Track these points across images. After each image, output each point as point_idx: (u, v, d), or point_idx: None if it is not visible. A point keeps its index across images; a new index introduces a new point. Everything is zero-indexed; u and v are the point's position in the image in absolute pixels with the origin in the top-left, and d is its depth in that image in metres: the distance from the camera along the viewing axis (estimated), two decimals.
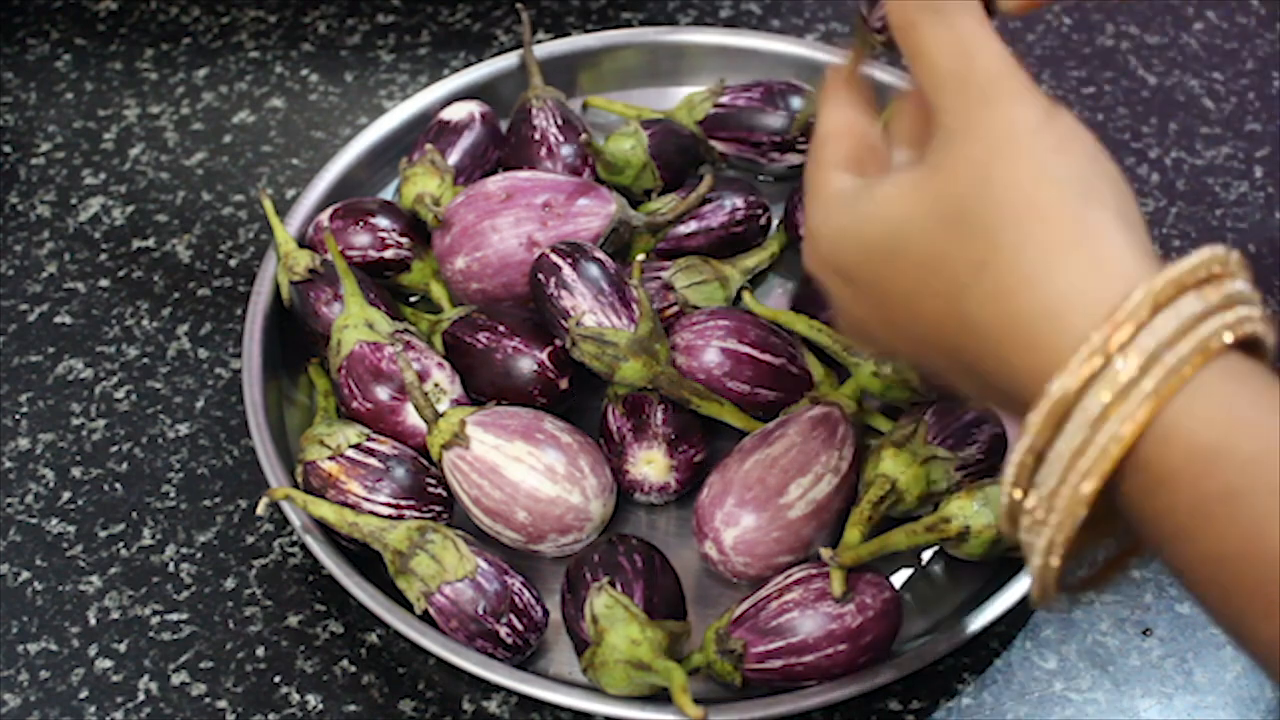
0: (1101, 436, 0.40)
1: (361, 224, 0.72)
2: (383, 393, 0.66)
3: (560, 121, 0.76)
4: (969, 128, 0.45)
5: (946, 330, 0.45)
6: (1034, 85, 0.46)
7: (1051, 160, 0.44)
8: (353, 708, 0.63)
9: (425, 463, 0.65)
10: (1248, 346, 0.41)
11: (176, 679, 0.64)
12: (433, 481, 0.65)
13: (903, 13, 0.47)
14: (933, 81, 0.46)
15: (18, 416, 0.72)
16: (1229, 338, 0.40)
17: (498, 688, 0.63)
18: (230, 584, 0.67)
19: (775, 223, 0.76)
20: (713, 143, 0.77)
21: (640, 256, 0.69)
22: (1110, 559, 0.45)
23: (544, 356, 0.67)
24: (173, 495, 0.69)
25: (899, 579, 0.65)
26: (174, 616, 0.66)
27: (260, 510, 0.63)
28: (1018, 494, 0.42)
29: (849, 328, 0.51)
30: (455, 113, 0.77)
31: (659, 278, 0.71)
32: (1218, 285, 0.41)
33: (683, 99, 0.78)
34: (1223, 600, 0.40)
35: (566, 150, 0.75)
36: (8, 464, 0.71)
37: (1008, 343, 0.43)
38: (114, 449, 0.71)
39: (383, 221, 0.72)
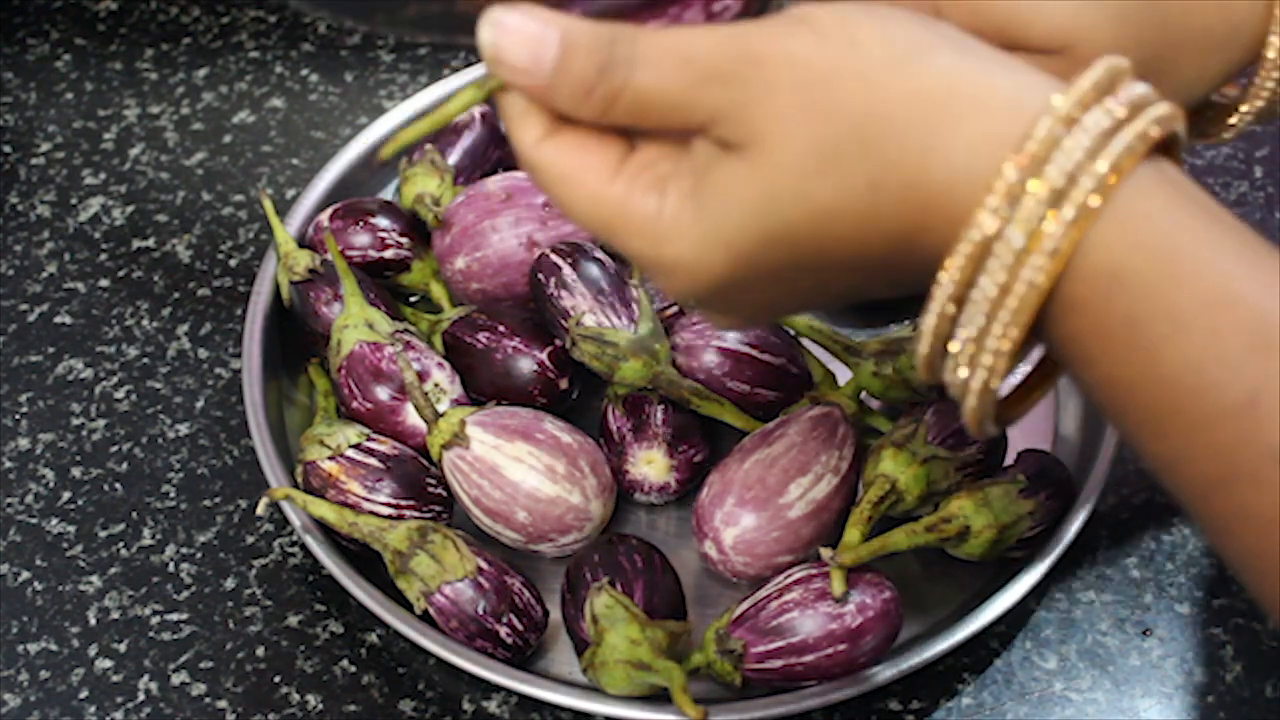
0: (1025, 273, 0.40)
1: (361, 224, 0.72)
2: (383, 393, 0.66)
3: None
4: (758, 92, 0.42)
5: (864, 262, 0.43)
6: (758, 25, 0.42)
7: (860, 55, 0.41)
8: (353, 708, 0.63)
9: (425, 463, 0.65)
10: (1162, 147, 0.41)
11: (176, 679, 0.64)
12: (433, 481, 0.65)
13: (589, 101, 0.43)
14: (680, 103, 0.42)
15: (18, 416, 0.72)
16: (1141, 146, 0.39)
17: (498, 688, 0.63)
18: (230, 584, 0.67)
19: None
20: None
21: None
22: (1032, 379, 0.45)
23: (544, 356, 0.67)
24: (173, 495, 0.69)
25: (899, 579, 0.65)
26: (174, 616, 0.66)
27: (260, 510, 0.63)
28: (939, 342, 0.42)
29: (737, 321, 0.49)
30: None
31: None
32: (1122, 92, 0.40)
33: None
34: (1121, 420, 0.41)
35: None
36: (8, 464, 0.71)
37: (928, 231, 0.42)
38: (114, 449, 0.71)
39: (383, 221, 0.72)
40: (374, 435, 0.65)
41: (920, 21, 0.43)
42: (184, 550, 0.68)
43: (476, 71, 0.80)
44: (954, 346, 0.42)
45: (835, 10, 0.42)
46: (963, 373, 0.42)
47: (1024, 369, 0.45)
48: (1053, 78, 0.42)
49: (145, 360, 0.74)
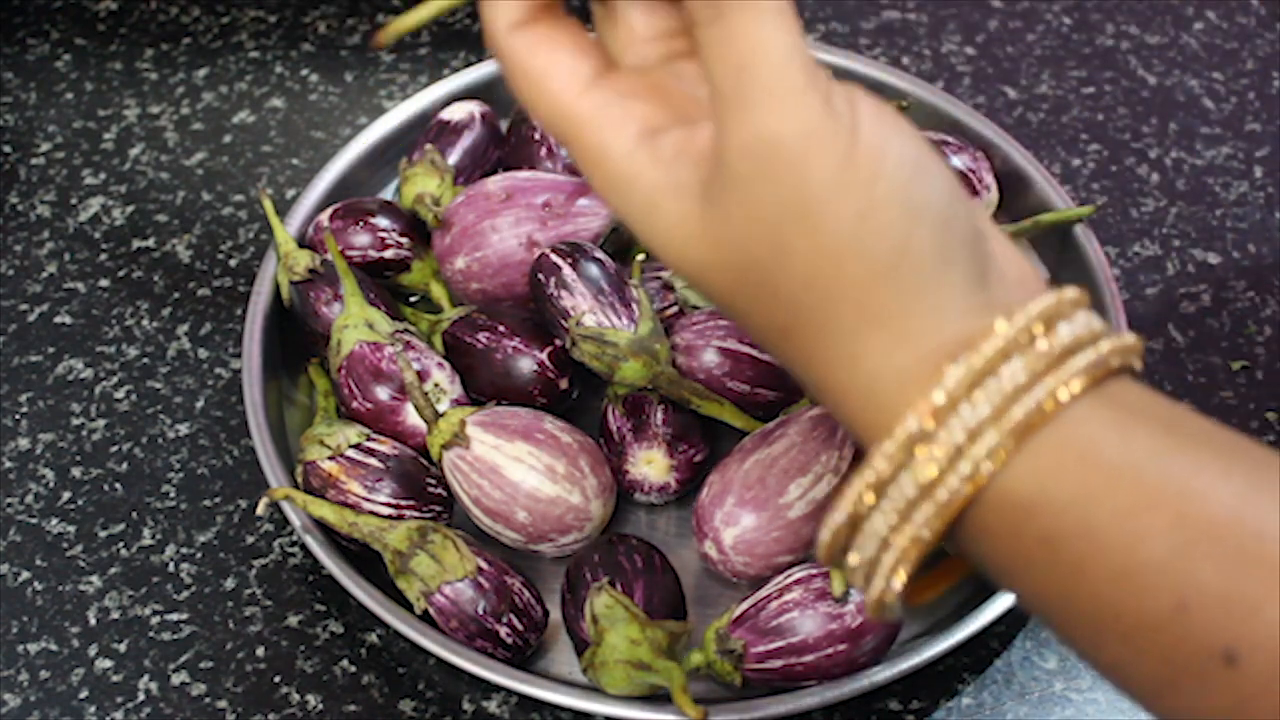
0: (916, 518, 0.39)
1: (361, 224, 0.72)
2: (383, 393, 0.66)
3: None
4: (754, 180, 0.40)
5: (768, 349, 0.43)
6: (826, 98, 0.39)
7: (854, 228, 0.39)
8: (353, 708, 0.63)
9: (425, 463, 0.65)
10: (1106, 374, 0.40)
11: (176, 679, 0.64)
12: (433, 481, 0.65)
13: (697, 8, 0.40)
14: (715, 95, 0.40)
15: (18, 416, 0.72)
16: (1051, 404, 0.39)
17: (498, 688, 0.63)
18: (230, 584, 0.67)
19: None
20: None
21: (640, 256, 0.69)
22: (946, 562, 0.45)
23: (544, 356, 0.67)
24: (173, 495, 0.69)
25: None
26: (174, 616, 0.66)
27: (260, 510, 0.63)
28: (836, 552, 0.42)
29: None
30: (455, 113, 0.77)
31: (659, 278, 0.71)
32: (1049, 338, 0.39)
33: None
34: (1056, 630, 0.40)
35: (566, 150, 0.75)
36: (8, 464, 0.71)
37: (824, 396, 0.42)
38: (114, 449, 0.71)
39: (383, 221, 0.72)
40: (374, 435, 0.65)
41: (941, 202, 0.40)
42: (184, 550, 0.68)
43: (477, 72, 0.80)
44: (850, 560, 0.42)
45: (867, 139, 0.39)
46: (858, 582, 0.42)
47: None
48: (1016, 294, 0.41)
49: (145, 360, 0.74)
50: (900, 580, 0.41)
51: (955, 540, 0.41)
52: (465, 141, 0.76)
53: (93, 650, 0.65)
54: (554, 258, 0.67)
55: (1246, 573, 0.37)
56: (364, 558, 0.64)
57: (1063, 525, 0.38)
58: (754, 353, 0.67)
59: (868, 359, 0.40)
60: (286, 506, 0.64)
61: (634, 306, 0.65)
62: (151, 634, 0.65)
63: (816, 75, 0.40)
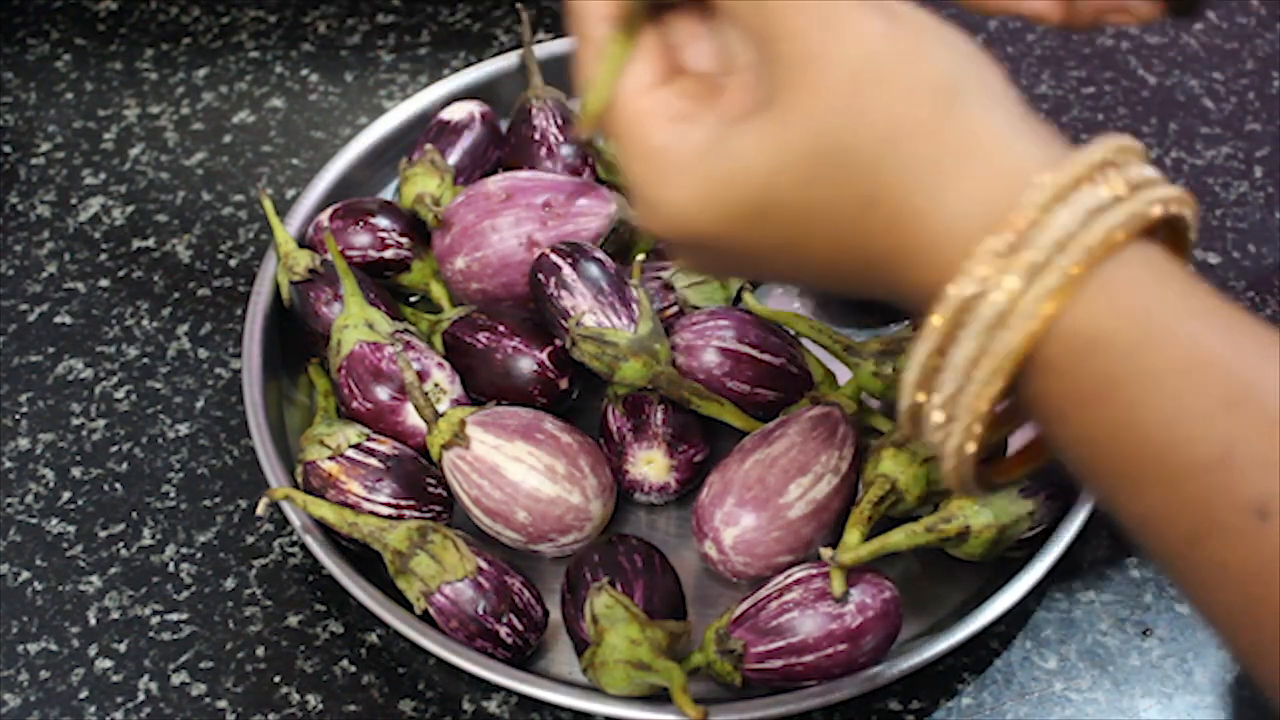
0: (998, 343, 0.40)
1: (361, 224, 0.72)
2: (383, 393, 0.66)
3: (560, 121, 0.76)
4: (818, 55, 0.42)
5: (837, 264, 0.44)
6: None
7: (911, 71, 0.42)
8: (353, 708, 0.63)
9: (425, 463, 0.65)
10: (1162, 227, 0.41)
11: (176, 679, 0.64)
12: (433, 481, 0.65)
13: None
14: (750, 11, 0.43)
15: (18, 416, 0.72)
16: (1123, 233, 0.40)
17: (498, 688, 0.63)
18: (230, 584, 0.67)
19: None
20: None
21: (640, 256, 0.69)
22: (1024, 447, 0.46)
23: (544, 356, 0.67)
24: (173, 495, 0.69)
25: (899, 579, 0.65)
26: (174, 616, 0.66)
27: (260, 510, 0.63)
28: (921, 397, 0.42)
29: (700, 269, 0.49)
30: (455, 113, 0.77)
31: (659, 278, 0.71)
32: (1118, 173, 0.41)
33: None
34: (1096, 478, 0.42)
35: (566, 150, 0.75)
36: (8, 464, 0.71)
37: (908, 265, 0.42)
38: (114, 449, 0.71)
39: (383, 221, 0.72)
40: (374, 435, 0.65)
41: (974, 56, 0.43)
42: (184, 550, 0.68)
43: (477, 72, 0.80)
44: (934, 400, 0.42)
45: (906, 10, 0.43)
46: (939, 434, 0.43)
47: (1024, 434, 0.45)
48: (1065, 147, 0.42)
49: (145, 360, 0.74)
50: (984, 407, 0.41)
51: (1019, 383, 0.41)
52: (465, 141, 0.76)
53: (93, 650, 0.65)
54: (554, 258, 0.67)
55: None
56: (364, 558, 0.64)
57: (1123, 365, 0.40)
58: (754, 353, 0.67)
59: (951, 194, 0.41)
60: (286, 506, 0.64)
61: (634, 306, 0.65)
62: (151, 634, 0.65)
63: None
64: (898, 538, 0.62)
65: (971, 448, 0.42)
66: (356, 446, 0.64)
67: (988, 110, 0.42)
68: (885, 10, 0.42)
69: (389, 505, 0.63)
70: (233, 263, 0.78)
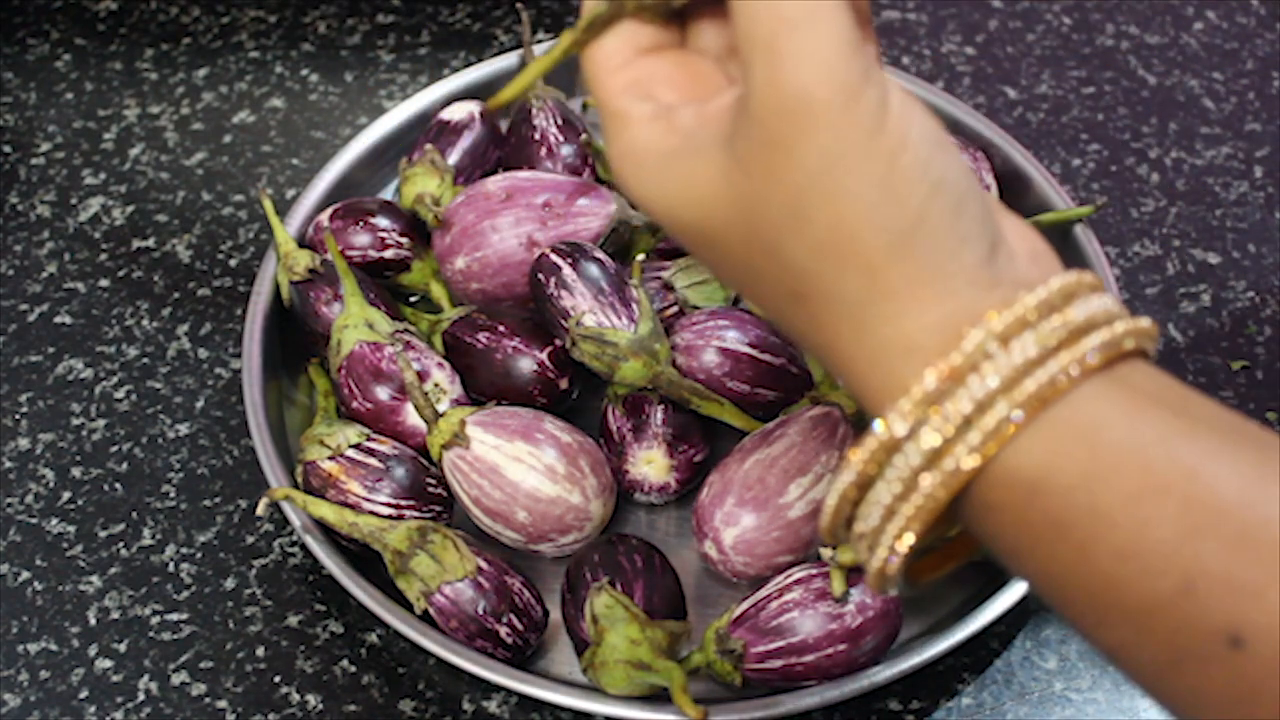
0: (919, 490, 0.40)
1: (361, 224, 0.72)
2: (383, 393, 0.66)
3: (560, 121, 0.76)
4: (786, 138, 0.40)
5: (773, 316, 0.44)
6: (870, 62, 0.40)
7: (875, 196, 0.40)
8: (353, 708, 0.63)
9: (425, 463, 0.65)
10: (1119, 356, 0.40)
11: (176, 679, 0.64)
12: (433, 481, 0.65)
13: None
14: (750, 44, 0.41)
15: (18, 416, 0.72)
16: (1065, 380, 0.39)
17: (498, 688, 0.63)
18: (230, 584, 0.67)
19: None
20: None
21: (640, 256, 0.69)
22: (953, 542, 0.45)
23: (544, 356, 0.67)
24: (173, 495, 0.69)
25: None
26: (174, 616, 0.66)
27: (260, 510, 0.63)
28: (839, 520, 0.42)
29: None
30: (455, 113, 0.77)
31: (659, 278, 0.71)
32: (1061, 314, 0.40)
33: None
34: (1060, 610, 0.41)
35: (566, 150, 0.75)
36: (8, 464, 0.71)
37: (832, 363, 0.42)
38: (114, 449, 0.71)
39: (383, 221, 0.72)
40: (374, 435, 0.65)
41: (953, 182, 0.41)
42: (184, 550, 0.68)
43: (477, 72, 0.80)
44: (855, 528, 0.42)
45: (895, 113, 0.40)
46: (861, 553, 0.42)
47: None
48: (1031, 276, 0.41)
49: (145, 360, 0.74)
50: (903, 548, 0.40)
51: (962, 517, 0.41)
52: (465, 141, 0.76)
53: (93, 650, 0.65)
54: (554, 258, 0.67)
55: (1252, 557, 0.37)
56: (364, 558, 0.64)
57: (1070, 505, 0.38)
58: (754, 353, 0.67)
59: (878, 328, 0.40)
60: (286, 506, 0.64)
61: (634, 306, 0.65)
62: (151, 634, 0.65)
63: (861, 43, 0.40)
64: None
65: (894, 567, 0.41)
66: (356, 446, 0.64)
67: (945, 255, 0.40)
68: (881, 110, 0.40)
69: (389, 505, 0.63)
70: (233, 263, 0.78)
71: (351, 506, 0.63)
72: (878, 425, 0.40)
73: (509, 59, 0.81)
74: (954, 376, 0.39)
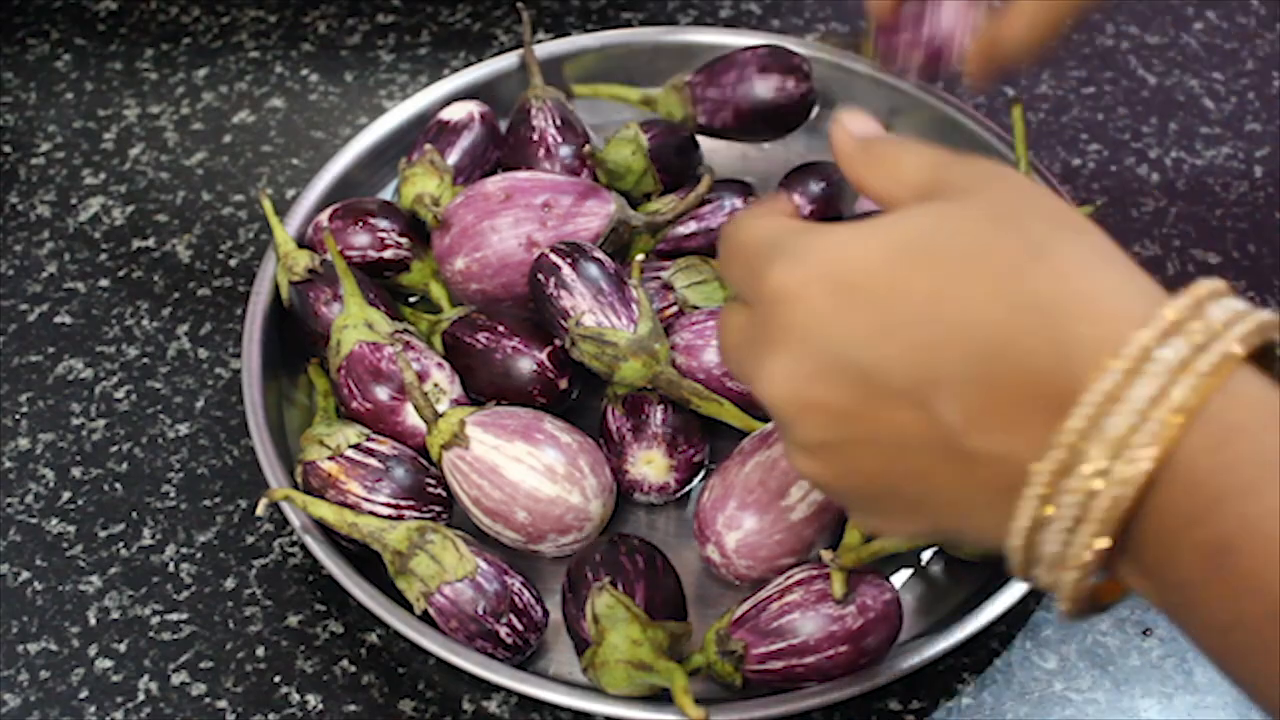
0: (1110, 489, 0.40)
1: (361, 224, 0.72)
2: (382, 393, 0.66)
3: (559, 122, 0.76)
4: (984, 183, 0.45)
5: (987, 314, 0.42)
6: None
7: (1061, 204, 0.45)
8: (353, 708, 0.63)
9: (425, 463, 0.65)
10: (1260, 357, 0.41)
11: (176, 679, 0.64)
12: (432, 481, 0.65)
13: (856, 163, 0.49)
14: (914, 191, 0.47)
15: (18, 416, 0.72)
16: (1240, 349, 0.40)
17: (498, 688, 0.63)
18: (230, 584, 0.67)
19: None
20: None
21: (640, 256, 0.69)
22: None
23: (543, 356, 0.67)
24: (173, 495, 0.69)
25: (899, 580, 0.65)
26: (174, 616, 0.66)
27: (259, 511, 0.63)
28: (1031, 544, 0.42)
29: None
30: (455, 113, 0.77)
31: (659, 278, 0.71)
32: (1218, 303, 0.41)
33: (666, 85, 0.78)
34: (1237, 667, 0.40)
35: (565, 151, 0.75)
36: (8, 464, 0.71)
37: (1071, 312, 0.41)
38: (114, 449, 0.71)
39: (382, 221, 0.72)
40: (374, 435, 0.65)
41: (1046, 209, 0.45)
42: (184, 550, 0.68)
43: (477, 72, 0.80)
44: (1038, 570, 0.42)
45: (981, 201, 0.44)
46: (1049, 577, 0.42)
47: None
48: (1152, 287, 0.43)
49: (145, 360, 0.74)
50: (1097, 549, 0.40)
51: (1136, 549, 0.41)
52: (465, 141, 0.76)
53: (93, 650, 0.65)
54: (554, 258, 0.67)
55: None
56: (364, 558, 0.64)
57: (1237, 527, 0.38)
58: None
59: (1107, 276, 0.42)
60: (286, 507, 0.64)
61: (634, 306, 0.65)
62: (151, 634, 0.65)
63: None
64: (898, 539, 0.62)
65: (1087, 582, 0.42)
66: (356, 447, 0.64)
67: (1109, 249, 0.43)
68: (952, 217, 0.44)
69: (389, 505, 0.63)
70: (233, 263, 0.78)
71: (351, 507, 0.63)
72: (1058, 437, 0.40)
73: (509, 59, 0.81)
74: (1127, 375, 0.40)
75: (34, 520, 0.69)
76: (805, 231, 0.45)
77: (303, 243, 0.73)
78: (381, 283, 0.72)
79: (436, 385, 0.67)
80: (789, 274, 0.44)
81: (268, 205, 0.72)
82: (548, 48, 0.81)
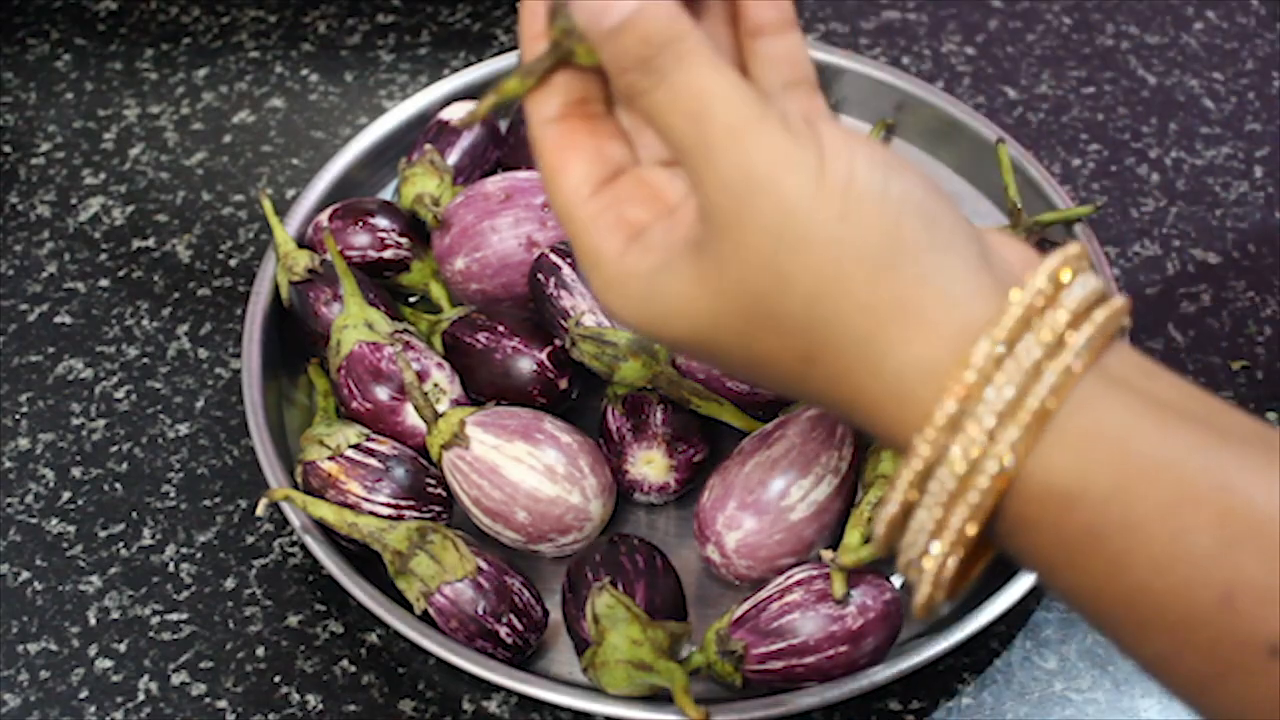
0: (958, 511, 0.40)
1: (361, 224, 0.72)
2: (382, 393, 0.66)
3: None
4: (738, 216, 0.41)
5: (790, 394, 0.44)
6: (783, 121, 0.41)
7: (838, 233, 0.40)
8: (353, 708, 0.63)
9: (425, 463, 0.65)
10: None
11: (176, 679, 0.64)
12: (432, 481, 0.65)
13: (620, 81, 0.43)
14: (679, 152, 0.42)
15: (18, 416, 0.72)
16: (1079, 366, 0.39)
17: (498, 688, 0.63)
18: (230, 584, 0.67)
19: None
20: None
21: None
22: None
23: (543, 356, 0.67)
24: (173, 495, 0.69)
25: (899, 580, 0.65)
26: (174, 616, 0.66)
27: (259, 511, 0.63)
28: (892, 537, 0.42)
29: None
30: (455, 113, 0.77)
31: None
32: (1053, 310, 0.40)
33: None
34: (1098, 625, 0.41)
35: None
36: (8, 464, 0.71)
37: (863, 418, 0.42)
38: (114, 449, 0.71)
39: (382, 221, 0.72)
40: (373, 435, 0.65)
41: (918, 198, 0.41)
42: (184, 550, 0.68)
43: (477, 72, 0.80)
44: (899, 560, 0.42)
45: (834, 153, 0.41)
46: (911, 574, 0.42)
47: None
48: (1015, 274, 0.41)
49: (145, 360, 0.74)
50: (948, 575, 0.41)
51: (996, 538, 0.41)
52: (464, 142, 0.76)
53: (93, 650, 0.65)
54: (554, 258, 0.67)
55: None
56: (364, 558, 0.64)
57: (1104, 516, 0.38)
58: None
59: (890, 359, 0.40)
60: (286, 507, 0.64)
61: None
62: (151, 634, 0.65)
63: (767, 103, 0.42)
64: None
65: (941, 596, 0.42)
66: (356, 447, 0.64)
67: (929, 265, 0.40)
68: (811, 162, 0.41)
69: (389, 505, 0.63)
70: (233, 263, 0.78)
71: (351, 507, 0.63)
72: (912, 455, 0.40)
73: (509, 59, 0.81)
74: (971, 395, 0.39)
75: (34, 520, 0.69)
76: (604, 290, 0.45)
77: (303, 243, 0.73)
78: (381, 283, 0.72)
79: (436, 385, 0.67)
80: (603, 306, 0.45)
81: (268, 205, 0.72)
82: (501, 68, 0.80)
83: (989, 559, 0.45)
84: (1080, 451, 0.39)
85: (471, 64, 0.85)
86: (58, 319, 0.76)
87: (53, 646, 0.65)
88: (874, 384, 0.41)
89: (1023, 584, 0.62)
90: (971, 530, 0.40)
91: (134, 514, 0.69)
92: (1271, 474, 0.38)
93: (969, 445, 0.39)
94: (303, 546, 0.68)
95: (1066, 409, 0.39)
